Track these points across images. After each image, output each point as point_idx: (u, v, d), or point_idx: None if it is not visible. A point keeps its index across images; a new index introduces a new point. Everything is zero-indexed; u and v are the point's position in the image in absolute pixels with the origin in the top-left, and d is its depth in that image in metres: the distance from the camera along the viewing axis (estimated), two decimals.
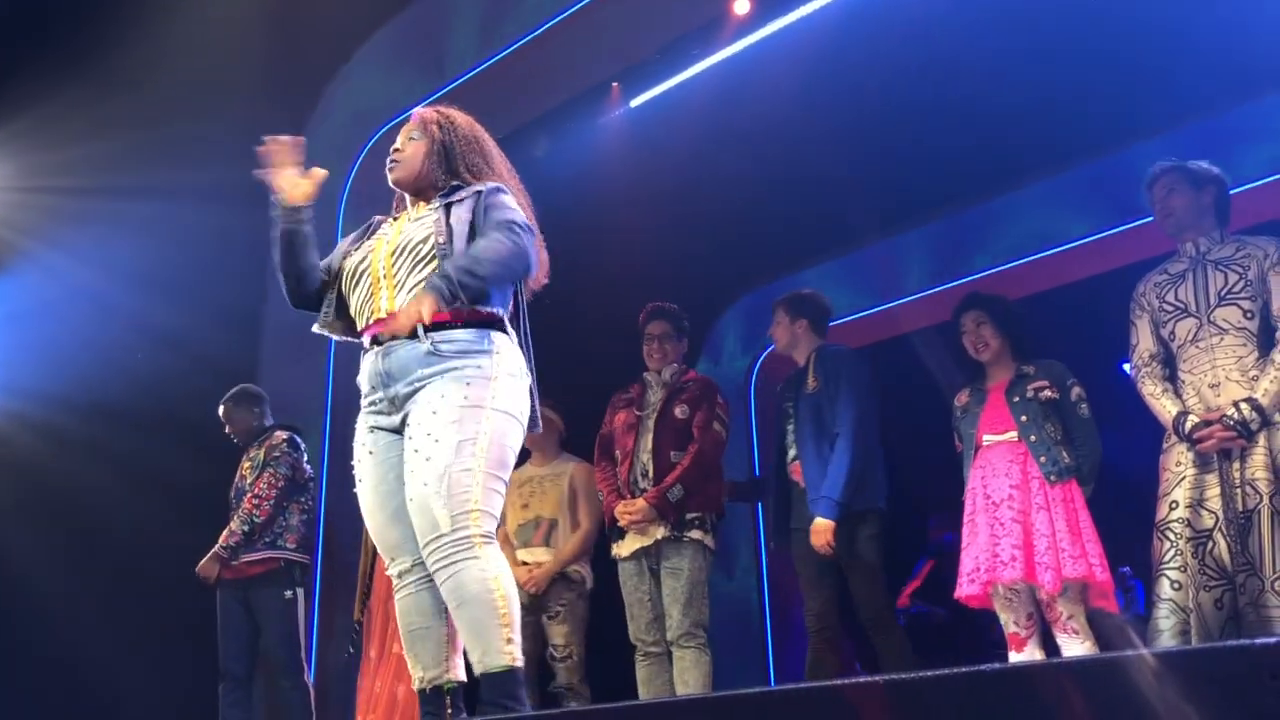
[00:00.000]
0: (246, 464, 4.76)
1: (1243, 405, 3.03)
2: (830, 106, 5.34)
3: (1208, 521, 3.06)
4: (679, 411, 4.12)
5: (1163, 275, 3.39)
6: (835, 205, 5.71)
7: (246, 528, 4.56)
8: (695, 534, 3.99)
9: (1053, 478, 3.55)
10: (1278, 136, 5.20)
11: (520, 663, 2.29)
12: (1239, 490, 3.01)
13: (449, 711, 2.44)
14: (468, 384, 2.33)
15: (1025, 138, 5.35)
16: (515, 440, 2.41)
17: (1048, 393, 3.66)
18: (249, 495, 4.62)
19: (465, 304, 2.33)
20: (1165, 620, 3.06)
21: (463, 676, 2.47)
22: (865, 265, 6.85)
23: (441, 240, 2.43)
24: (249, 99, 5.56)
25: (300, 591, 4.65)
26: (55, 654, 5.19)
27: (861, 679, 1.19)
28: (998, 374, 3.82)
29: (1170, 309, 3.30)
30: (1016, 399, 3.70)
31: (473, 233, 2.45)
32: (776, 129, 5.50)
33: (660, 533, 3.98)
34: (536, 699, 4.40)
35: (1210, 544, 3.03)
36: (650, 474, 4.06)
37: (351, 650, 4.44)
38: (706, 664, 3.92)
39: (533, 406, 2.49)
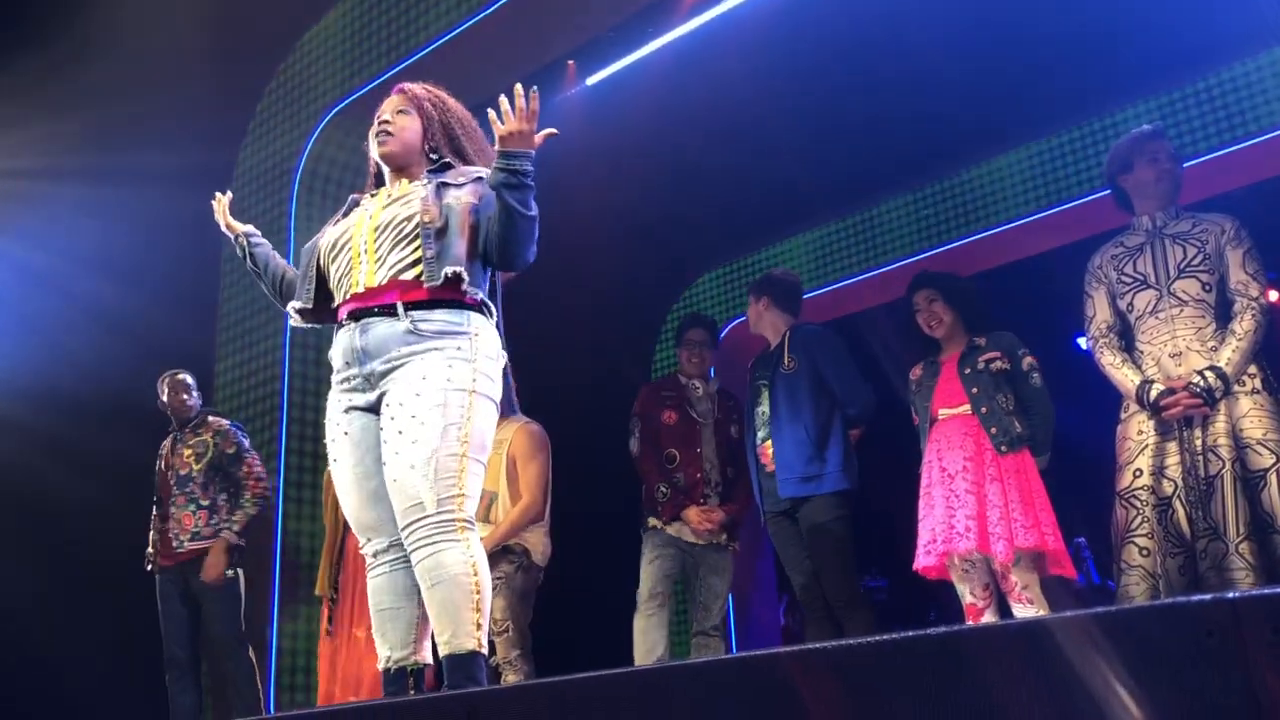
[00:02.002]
0: (187, 450, 4.61)
1: (1208, 373, 3.08)
2: (784, 85, 5.35)
3: (1168, 489, 3.11)
4: (734, 431, 4.48)
5: (1119, 248, 3.42)
6: (792, 184, 5.73)
7: (258, 509, 4.57)
8: (735, 545, 4.45)
9: (1003, 448, 3.59)
10: (1222, 112, 5.27)
11: (485, 649, 2.29)
12: (1201, 457, 3.06)
13: (411, 692, 2.44)
14: (449, 365, 2.32)
15: (979, 115, 5.40)
16: (493, 423, 2.41)
17: (999, 363, 3.70)
18: (252, 479, 4.59)
19: (519, 195, 2.35)
20: (1136, 587, 3.10)
21: (429, 659, 2.47)
22: (823, 243, 6.89)
23: (429, 219, 2.40)
24: (201, 80, 5.49)
25: (240, 571, 4.57)
26: (3, 642, 5.12)
27: (806, 647, 1.20)
28: (950, 348, 3.86)
29: (1129, 280, 3.34)
30: (968, 371, 3.74)
31: (476, 217, 2.42)
32: (733, 107, 5.50)
33: (720, 539, 4.37)
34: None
35: (1170, 512, 3.08)
36: (714, 483, 4.41)
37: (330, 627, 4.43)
38: (718, 649, 4.36)
39: (506, 388, 2.49)
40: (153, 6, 5.63)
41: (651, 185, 6.00)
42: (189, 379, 4.79)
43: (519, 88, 2.39)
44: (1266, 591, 0.94)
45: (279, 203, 5.85)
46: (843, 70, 5.30)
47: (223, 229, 2.81)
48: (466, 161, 2.59)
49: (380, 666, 2.46)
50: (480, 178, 2.51)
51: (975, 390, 3.69)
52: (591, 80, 5.77)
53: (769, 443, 4.08)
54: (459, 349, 2.34)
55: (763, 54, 5.23)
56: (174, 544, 4.51)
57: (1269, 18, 4.30)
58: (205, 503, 4.54)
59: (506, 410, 2.53)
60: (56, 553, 5.24)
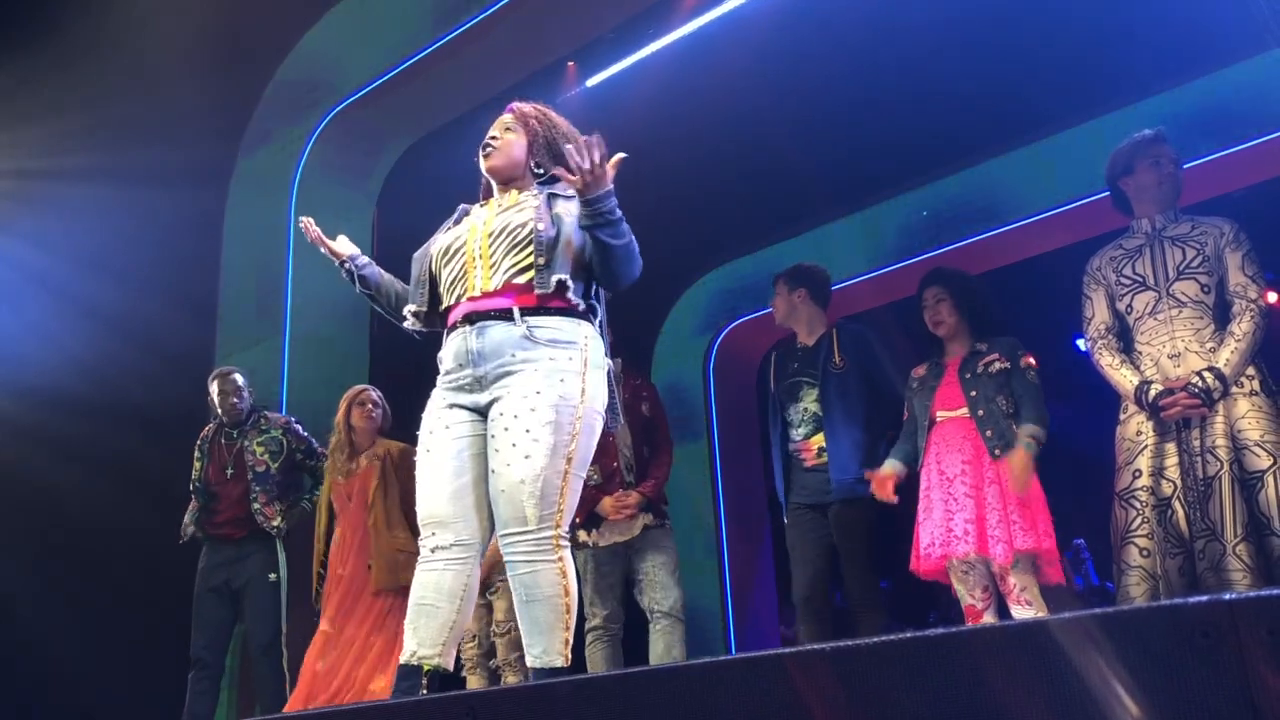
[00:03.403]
0: (259, 448, 4.74)
1: (1206, 374, 3.09)
2: (785, 85, 5.36)
3: (1167, 490, 3.12)
4: (645, 409, 4.24)
5: (1118, 250, 3.43)
6: (792, 184, 5.74)
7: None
8: (669, 524, 4.21)
9: (997, 452, 3.59)
10: (1222, 114, 5.27)
11: (570, 662, 2.40)
12: (1199, 458, 3.07)
13: (424, 692, 2.45)
14: (561, 380, 2.41)
15: (979, 116, 5.40)
16: (597, 435, 2.50)
17: (999, 364, 3.70)
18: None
19: (610, 231, 2.44)
20: (1136, 587, 3.10)
21: (450, 667, 2.51)
22: (824, 243, 6.89)
23: (542, 227, 2.49)
24: (201, 80, 5.49)
25: (283, 576, 4.68)
26: (12, 640, 5.13)
27: (807, 648, 1.21)
28: (955, 350, 3.86)
29: (1129, 282, 3.35)
30: (968, 375, 3.74)
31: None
32: (732, 109, 5.51)
33: (646, 522, 4.10)
34: (487, 676, 4.43)
35: (1170, 512, 3.09)
36: (631, 468, 4.16)
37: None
38: (682, 636, 4.07)
39: (612, 395, 2.57)
40: (153, 6, 5.64)
41: (651, 186, 5.99)
42: (239, 378, 4.87)
43: (579, 142, 2.47)
44: (1263, 593, 0.94)
45: (279, 203, 5.85)
46: (843, 72, 5.31)
47: (326, 254, 2.82)
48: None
49: (403, 660, 2.47)
50: None
51: (974, 393, 3.69)
52: (592, 81, 5.78)
53: (813, 440, 4.08)
54: (570, 359, 2.43)
55: (762, 55, 5.24)
56: (267, 531, 4.64)
57: (1269, 18, 4.30)
58: (281, 495, 4.74)
59: (611, 419, 2.59)
60: (58, 550, 5.25)
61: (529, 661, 2.40)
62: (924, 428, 3.81)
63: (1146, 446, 3.19)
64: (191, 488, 4.77)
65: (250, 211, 5.96)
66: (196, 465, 4.79)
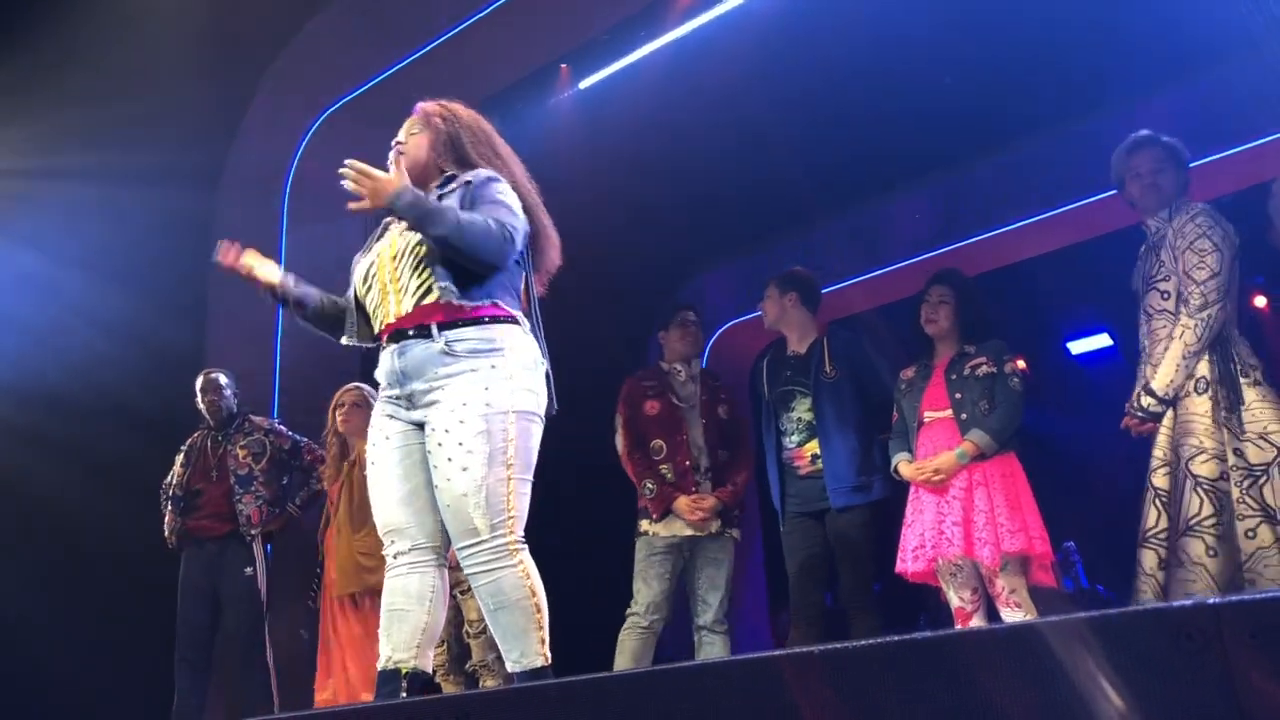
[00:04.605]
0: (242, 451, 4.79)
1: (1142, 396, 3.18)
2: (779, 88, 5.36)
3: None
4: (722, 411, 4.32)
5: (1139, 259, 3.45)
6: (785, 187, 5.73)
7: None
8: (734, 532, 4.24)
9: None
10: (1229, 112, 5.27)
11: (549, 660, 2.38)
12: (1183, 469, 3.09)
13: (404, 695, 2.45)
14: (486, 388, 2.36)
15: (976, 117, 5.41)
16: (538, 437, 2.47)
17: (985, 367, 3.72)
18: (316, 460, 4.84)
19: (428, 227, 2.37)
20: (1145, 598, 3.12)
21: (429, 669, 2.51)
22: (816, 247, 6.91)
23: (418, 240, 2.46)
24: (193, 79, 5.47)
25: (260, 570, 4.71)
26: (0, 639, 5.11)
27: (799, 650, 1.21)
28: (943, 351, 3.88)
29: (1136, 291, 3.40)
30: (954, 376, 3.77)
31: None
32: (725, 111, 5.51)
33: (714, 527, 4.16)
34: (463, 680, 4.42)
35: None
36: (704, 469, 4.22)
37: (304, 633, 4.49)
38: (722, 649, 4.13)
39: (549, 392, 2.53)
40: (144, 6, 5.62)
41: (644, 188, 6.01)
42: (221, 378, 4.92)
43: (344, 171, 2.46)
44: (1246, 597, 0.95)
45: (271, 205, 5.84)
46: (837, 74, 5.31)
47: (248, 282, 2.67)
48: (473, 168, 2.60)
49: (380, 666, 2.48)
50: (469, 181, 2.53)
51: (959, 395, 3.72)
52: (584, 84, 5.79)
53: (806, 448, 4.10)
54: (494, 367, 2.38)
55: (756, 58, 5.24)
56: (245, 536, 4.68)
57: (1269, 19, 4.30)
58: (269, 496, 4.77)
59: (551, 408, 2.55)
60: (50, 553, 5.24)
61: (510, 667, 2.39)
62: (913, 429, 3.83)
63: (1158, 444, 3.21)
64: (169, 494, 4.79)
65: (241, 214, 5.95)
66: (179, 471, 4.81)
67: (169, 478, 4.86)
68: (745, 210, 6.31)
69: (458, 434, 2.34)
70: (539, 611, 2.37)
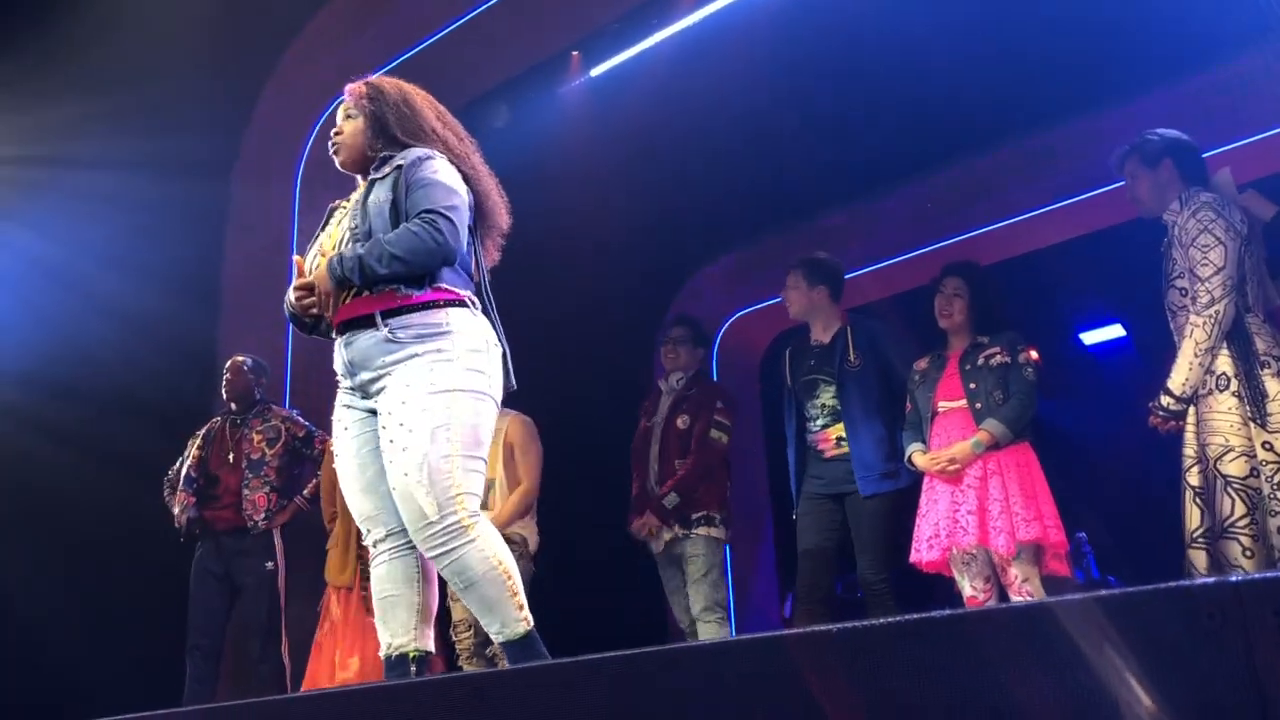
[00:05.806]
0: (257, 436, 4.80)
1: (1162, 397, 3.15)
2: (791, 77, 5.34)
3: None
4: (680, 422, 4.41)
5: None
6: (796, 175, 5.72)
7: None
8: (702, 530, 4.30)
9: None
10: (1240, 102, 5.24)
11: (532, 623, 2.35)
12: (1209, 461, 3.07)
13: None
14: (431, 369, 2.33)
15: (987, 108, 5.38)
16: (488, 418, 2.40)
17: (999, 358, 3.71)
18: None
19: (372, 282, 2.34)
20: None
21: (431, 647, 2.49)
22: (828, 234, 6.88)
23: (355, 224, 2.45)
24: (204, 67, 5.47)
25: (280, 565, 4.72)
26: (12, 630, 5.13)
27: (810, 629, 1.21)
28: (956, 343, 3.87)
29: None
30: (968, 367, 3.76)
31: (395, 211, 2.42)
32: (736, 99, 5.50)
33: (668, 536, 4.31)
34: (485, 664, 4.42)
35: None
36: (664, 482, 4.35)
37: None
38: (726, 635, 4.21)
39: (506, 374, 2.49)
40: None
41: (655, 176, 5.99)
42: (246, 362, 4.94)
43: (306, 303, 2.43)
44: (1268, 575, 0.94)
45: (283, 193, 5.85)
46: (849, 63, 5.29)
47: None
48: (405, 146, 2.55)
49: (381, 654, 2.47)
50: (400, 165, 2.48)
51: (973, 385, 3.71)
52: (595, 71, 5.77)
53: (830, 430, 4.09)
54: (439, 350, 2.34)
55: (767, 46, 5.22)
56: (248, 524, 4.68)
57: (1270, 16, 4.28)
58: (278, 484, 4.77)
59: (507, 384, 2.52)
60: (63, 543, 5.25)
61: (495, 640, 2.36)
62: (927, 419, 3.83)
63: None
64: (183, 476, 4.78)
65: (253, 202, 5.95)
66: (196, 454, 4.81)
67: (176, 464, 4.87)
68: (757, 196, 6.29)
69: (399, 415, 2.31)
70: (509, 578, 2.32)
